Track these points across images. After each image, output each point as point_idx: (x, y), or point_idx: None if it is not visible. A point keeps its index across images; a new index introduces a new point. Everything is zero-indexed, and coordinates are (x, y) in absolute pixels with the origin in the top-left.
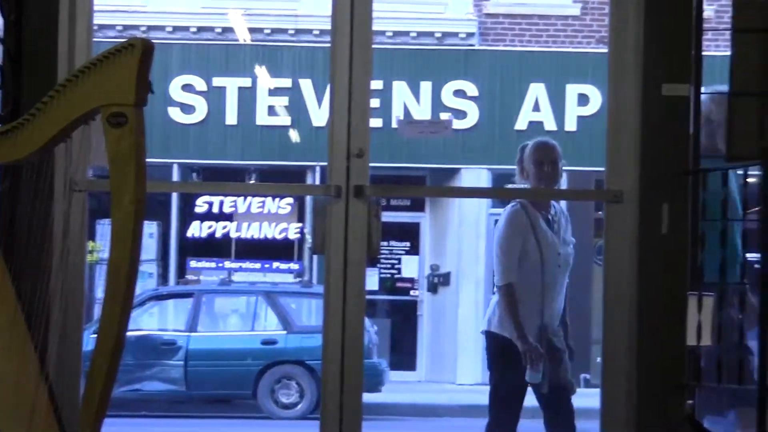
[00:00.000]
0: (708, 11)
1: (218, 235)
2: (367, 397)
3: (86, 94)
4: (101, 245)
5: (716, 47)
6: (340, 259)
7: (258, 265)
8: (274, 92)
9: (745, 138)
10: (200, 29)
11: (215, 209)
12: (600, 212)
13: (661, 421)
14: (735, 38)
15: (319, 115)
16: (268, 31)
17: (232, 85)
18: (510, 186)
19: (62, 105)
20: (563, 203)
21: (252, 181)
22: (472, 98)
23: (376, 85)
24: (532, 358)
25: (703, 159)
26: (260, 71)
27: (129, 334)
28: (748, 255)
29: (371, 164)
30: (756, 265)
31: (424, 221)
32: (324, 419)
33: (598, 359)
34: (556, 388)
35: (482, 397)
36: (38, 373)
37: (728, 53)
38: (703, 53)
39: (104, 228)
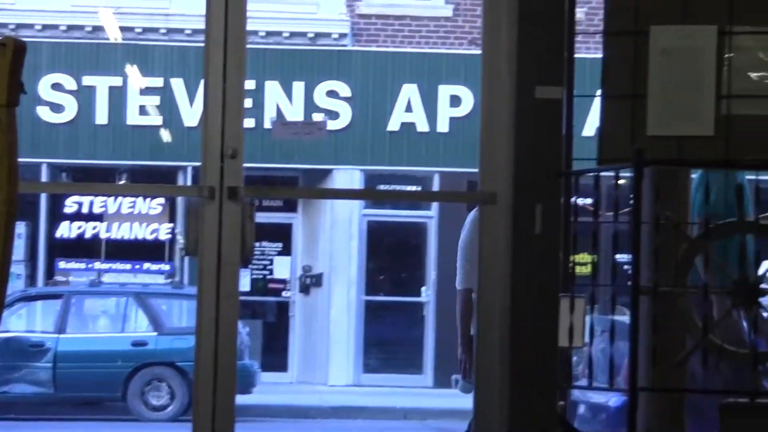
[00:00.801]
0: (579, 14)
1: (88, 235)
2: (239, 399)
3: None
4: None
5: (587, 50)
6: (213, 261)
7: (128, 266)
8: (145, 92)
9: (617, 140)
10: (70, 27)
11: (85, 209)
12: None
13: (534, 422)
14: (607, 41)
15: (191, 114)
16: (139, 30)
17: (102, 84)
18: (382, 187)
19: None
20: None
21: (123, 182)
22: (344, 99)
23: (249, 85)
24: (466, 369)
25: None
26: (131, 70)
27: None
28: (618, 256)
29: (244, 165)
30: (626, 267)
31: (296, 222)
32: (196, 421)
33: None
34: None
35: (354, 398)
36: None
37: (600, 56)
38: (576, 56)
39: None
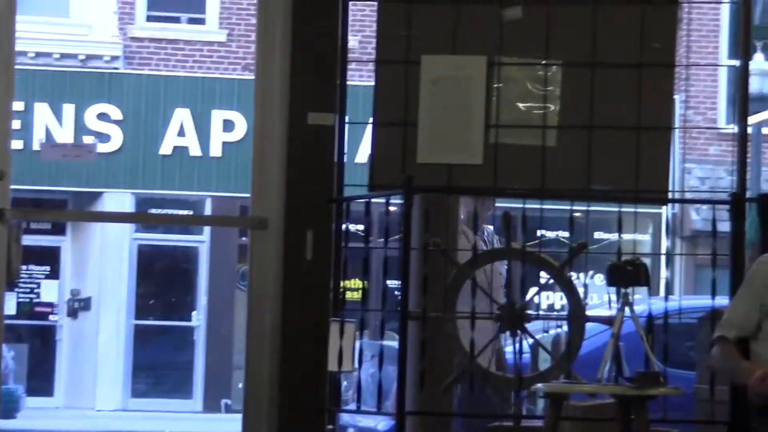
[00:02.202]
0: (352, 42)
1: None
2: (3, 424)
3: None
4: None
5: (360, 77)
6: None
7: None
8: None
9: (388, 167)
10: None
11: None
12: (244, 238)
13: None
14: (379, 69)
15: None
16: None
17: None
18: (154, 211)
19: None
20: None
21: None
22: (116, 122)
23: (18, 106)
24: None
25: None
26: None
27: None
28: (388, 282)
29: (11, 187)
30: (396, 292)
31: (65, 245)
32: None
33: (240, 385)
34: None
35: (122, 422)
36: None
37: (372, 83)
38: (349, 83)
39: None
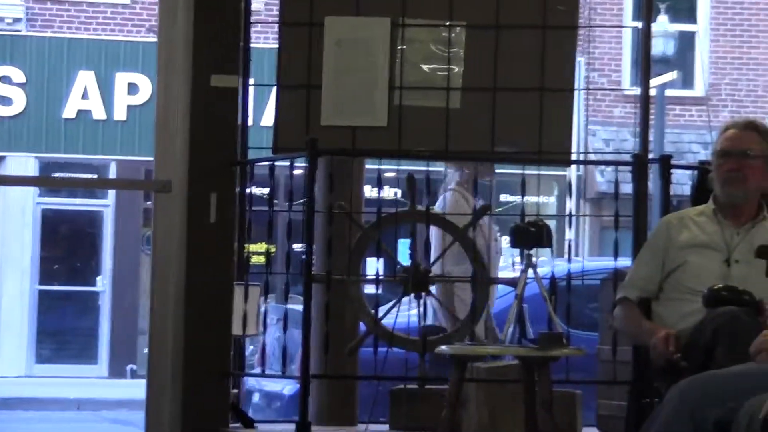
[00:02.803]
0: (258, 4)
1: None
2: None
3: None
4: None
5: (265, 40)
6: None
7: None
8: None
9: (292, 130)
10: None
11: None
12: (149, 202)
13: (206, 409)
14: (282, 31)
15: None
16: None
17: None
18: (58, 175)
19: None
20: None
21: None
22: (18, 85)
23: None
24: None
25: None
26: None
27: None
28: (296, 246)
29: None
30: (303, 256)
31: None
32: None
33: (145, 350)
34: None
35: (26, 389)
36: None
37: (277, 46)
38: (254, 45)
39: None
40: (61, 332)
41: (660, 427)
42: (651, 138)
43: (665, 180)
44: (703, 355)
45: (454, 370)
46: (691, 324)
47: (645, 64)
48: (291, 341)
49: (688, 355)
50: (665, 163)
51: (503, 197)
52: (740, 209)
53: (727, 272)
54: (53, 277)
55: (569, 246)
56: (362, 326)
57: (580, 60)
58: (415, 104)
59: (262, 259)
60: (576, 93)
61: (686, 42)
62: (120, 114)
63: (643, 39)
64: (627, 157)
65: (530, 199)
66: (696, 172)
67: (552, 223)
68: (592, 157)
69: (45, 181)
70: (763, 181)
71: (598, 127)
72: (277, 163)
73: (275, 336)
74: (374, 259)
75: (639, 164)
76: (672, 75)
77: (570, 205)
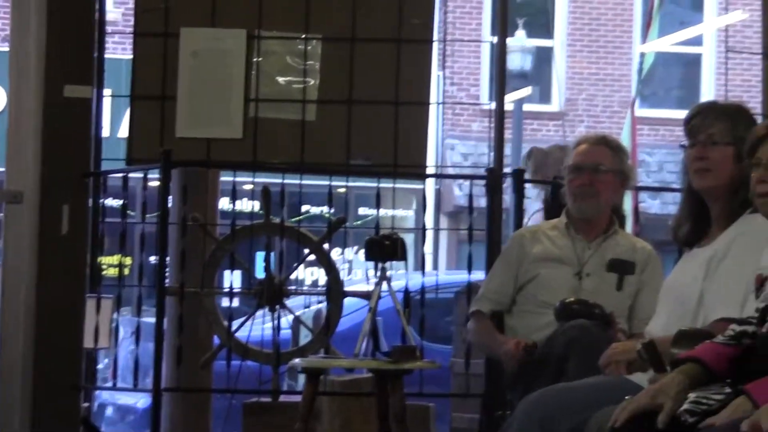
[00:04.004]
0: (116, 14)
1: None
2: None
3: None
4: None
5: (123, 50)
6: None
7: None
8: None
9: (147, 141)
10: None
11: None
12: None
13: (56, 423)
14: (137, 41)
15: None
16: None
17: None
18: None
19: None
20: None
21: None
22: None
23: None
24: None
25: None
26: None
27: None
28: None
29: None
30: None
31: None
32: None
33: None
34: None
35: None
36: None
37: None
38: (112, 56)
39: None
40: None
41: None
42: (508, 152)
43: (518, 194)
44: (554, 368)
45: (307, 382)
46: (543, 336)
47: (500, 79)
48: (145, 354)
49: (539, 368)
50: (519, 177)
51: (362, 210)
52: (592, 223)
53: (578, 285)
54: None
55: (422, 259)
56: (216, 339)
57: (439, 74)
58: (271, 116)
59: (115, 271)
60: (434, 107)
61: (543, 57)
62: None
63: (498, 54)
64: (482, 172)
65: (386, 212)
66: (550, 186)
67: (409, 237)
68: (450, 171)
69: None
70: (615, 196)
71: (457, 141)
72: (132, 175)
73: (129, 349)
74: (229, 271)
75: (492, 178)
76: (528, 90)
77: (426, 218)
